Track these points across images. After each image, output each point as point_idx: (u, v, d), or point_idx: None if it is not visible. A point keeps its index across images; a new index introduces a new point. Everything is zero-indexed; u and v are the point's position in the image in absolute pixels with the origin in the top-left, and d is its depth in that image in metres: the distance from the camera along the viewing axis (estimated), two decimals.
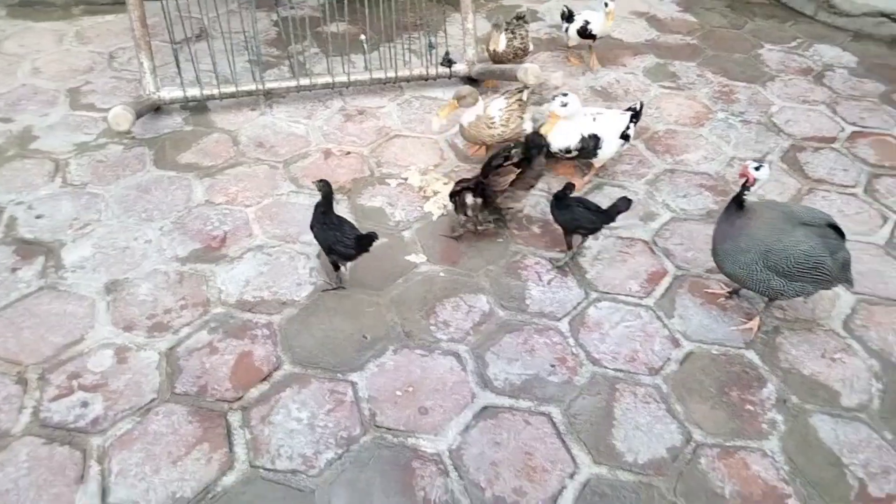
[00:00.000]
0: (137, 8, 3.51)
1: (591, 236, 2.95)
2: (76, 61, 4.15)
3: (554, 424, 2.30)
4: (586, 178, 3.39)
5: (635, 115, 3.34)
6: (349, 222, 2.66)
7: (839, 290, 2.83)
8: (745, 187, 2.49)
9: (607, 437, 2.27)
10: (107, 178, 3.23)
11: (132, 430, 2.18)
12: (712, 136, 3.89)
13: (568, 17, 4.32)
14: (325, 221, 2.60)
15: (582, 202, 2.89)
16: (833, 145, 3.87)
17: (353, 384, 2.38)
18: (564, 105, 3.12)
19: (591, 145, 3.21)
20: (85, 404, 2.24)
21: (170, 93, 3.65)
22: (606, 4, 4.08)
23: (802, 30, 5.17)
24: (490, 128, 3.30)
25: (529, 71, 3.55)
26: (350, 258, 2.63)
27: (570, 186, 2.87)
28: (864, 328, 2.73)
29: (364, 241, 2.57)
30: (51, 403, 2.24)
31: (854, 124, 4.07)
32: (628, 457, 2.22)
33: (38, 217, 2.99)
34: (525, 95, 3.43)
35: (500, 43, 3.98)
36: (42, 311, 2.56)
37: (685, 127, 3.96)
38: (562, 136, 3.17)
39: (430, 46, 4.16)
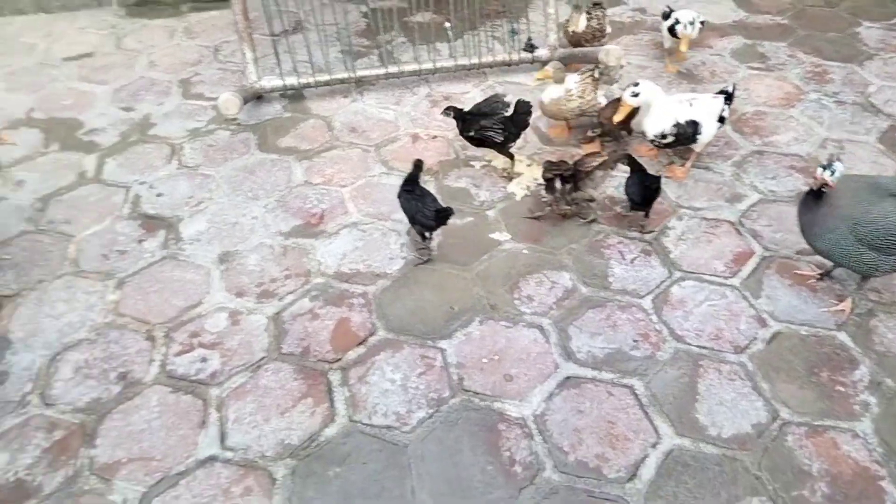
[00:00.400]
0: (240, 3, 3.77)
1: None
2: (186, 55, 4.48)
3: (636, 396, 2.37)
4: (687, 165, 3.38)
5: (728, 98, 3.31)
6: (432, 195, 2.83)
7: None
8: (822, 188, 2.46)
9: (690, 411, 2.32)
10: (217, 161, 3.52)
11: (245, 383, 2.41)
12: (803, 118, 3.80)
13: (667, 16, 4.15)
14: (410, 192, 2.78)
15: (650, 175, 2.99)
16: None
17: (442, 351, 2.53)
18: (635, 95, 3.14)
19: (689, 132, 3.19)
20: (204, 360, 2.50)
21: (270, 82, 3.91)
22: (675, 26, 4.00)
23: None
24: (568, 101, 3.38)
25: (611, 52, 3.59)
26: (430, 229, 2.81)
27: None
28: None
29: (442, 214, 2.74)
30: (175, 358, 2.50)
31: None
32: (712, 430, 2.27)
33: (158, 195, 3.29)
34: (597, 72, 3.49)
35: (580, 24, 4.03)
36: (165, 277, 2.84)
37: (774, 108, 3.88)
38: (655, 122, 3.18)
39: (513, 32, 4.24)
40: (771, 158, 3.51)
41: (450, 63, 4.09)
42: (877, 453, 2.19)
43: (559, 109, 3.42)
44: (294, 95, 4.04)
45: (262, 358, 2.50)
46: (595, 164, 2.96)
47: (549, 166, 3.05)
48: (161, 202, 3.25)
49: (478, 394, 2.38)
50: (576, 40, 4.14)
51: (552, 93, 3.39)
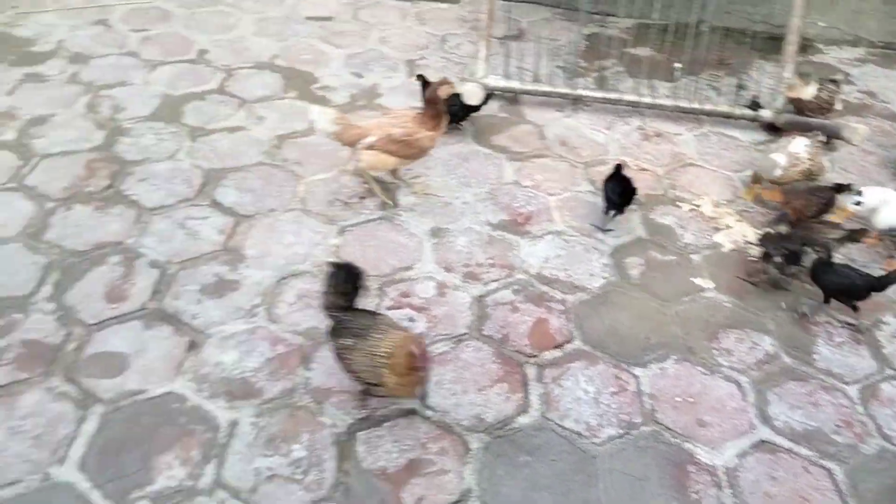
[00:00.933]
0: (490, 2, 3.96)
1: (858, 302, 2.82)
2: (415, 38, 4.74)
3: (835, 481, 2.28)
4: None
5: None
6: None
7: None
8: None
9: None
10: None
11: (447, 352, 2.52)
12: None
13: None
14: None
15: (848, 267, 2.84)
16: None
17: (636, 377, 2.54)
18: (858, 204, 3.12)
19: None
20: (412, 319, 2.63)
21: (495, 81, 4.06)
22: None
23: None
24: (795, 166, 3.31)
25: (858, 132, 3.48)
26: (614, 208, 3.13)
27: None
28: None
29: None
30: (386, 310, 2.65)
31: None
32: None
33: None
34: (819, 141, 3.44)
35: (807, 92, 3.92)
36: (381, 236, 3.03)
37: None
38: (890, 216, 3.10)
39: (740, 87, 4.18)
40: None
41: (669, 102, 4.10)
42: None
43: (788, 174, 3.35)
44: (511, 98, 4.18)
45: (464, 334, 2.61)
46: (831, 237, 2.87)
47: (772, 240, 2.95)
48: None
49: (669, 429, 2.37)
50: (799, 107, 4.03)
51: (777, 161, 3.32)
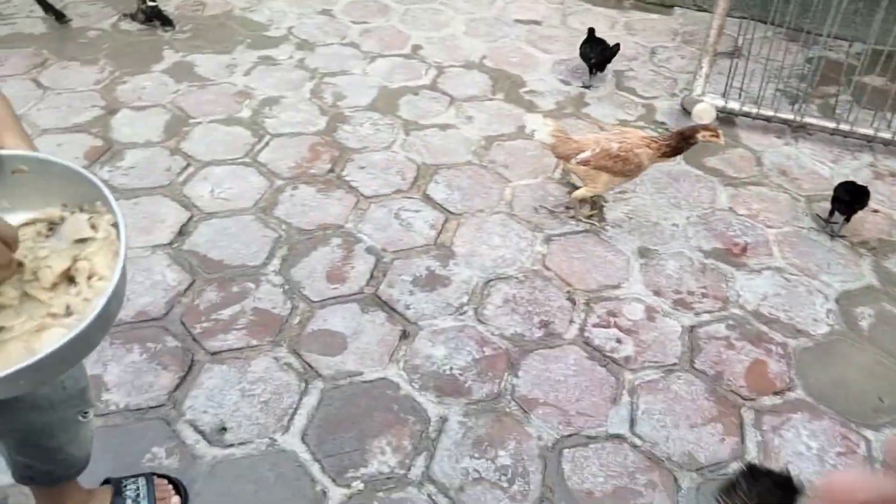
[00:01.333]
0: (720, 18, 3.76)
1: None
2: (624, 48, 4.62)
3: None
4: None
5: None
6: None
7: None
8: None
9: None
10: None
11: (657, 381, 2.43)
12: None
13: None
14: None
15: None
16: None
17: (867, 440, 2.30)
18: None
19: None
20: (619, 341, 2.57)
21: (712, 100, 3.86)
22: None
23: None
24: None
25: None
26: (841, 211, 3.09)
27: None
28: None
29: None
30: (593, 328, 2.61)
31: None
32: None
33: None
34: None
35: None
36: (588, 249, 2.98)
37: None
38: None
39: None
40: None
41: None
42: None
43: None
44: (724, 119, 3.96)
45: (675, 364, 2.50)
46: None
47: None
48: None
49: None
50: None
51: None
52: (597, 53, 4.01)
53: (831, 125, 3.78)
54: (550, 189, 3.32)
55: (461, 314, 2.63)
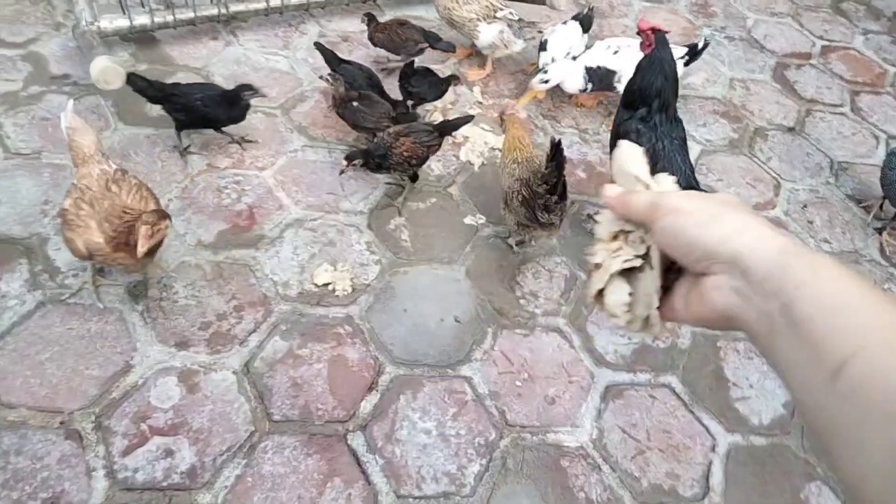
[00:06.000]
0: None
1: None
2: None
3: (678, 395, 2.23)
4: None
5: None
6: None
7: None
8: None
9: (728, 401, 2.25)
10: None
11: (244, 475, 1.81)
12: (706, 56, 3.79)
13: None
14: None
15: None
16: (811, 61, 3.95)
17: (469, 379, 2.14)
18: (545, 82, 2.95)
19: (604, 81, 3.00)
20: (168, 452, 1.82)
21: (113, 22, 2.88)
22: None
23: None
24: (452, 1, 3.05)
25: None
26: None
27: None
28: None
29: None
30: (124, 459, 1.78)
31: (821, 38, 4.17)
32: (754, 419, 2.22)
33: None
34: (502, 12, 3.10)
35: None
36: (53, 334, 2.00)
37: (678, 45, 3.82)
38: (571, 80, 2.96)
39: None
40: (695, 103, 3.47)
41: None
42: None
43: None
44: (141, 39, 3.05)
45: (252, 433, 1.90)
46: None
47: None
48: None
49: (525, 427, 2.06)
50: None
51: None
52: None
53: (263, 6, 3.20)
54: None
55: None
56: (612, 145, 2.53)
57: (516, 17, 3.09)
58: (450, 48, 3.07)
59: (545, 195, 2.15)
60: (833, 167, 3.26)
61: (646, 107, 2.35)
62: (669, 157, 2.34)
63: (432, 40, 3.02)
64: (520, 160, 2.30)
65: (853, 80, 3.86)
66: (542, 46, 3.08)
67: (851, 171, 3.26)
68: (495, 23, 3.06)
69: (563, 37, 3.08)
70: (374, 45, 3.06)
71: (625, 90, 2.42)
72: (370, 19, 3.04)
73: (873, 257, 2.87)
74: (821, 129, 3.47)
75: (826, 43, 4.14)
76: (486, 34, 3.06)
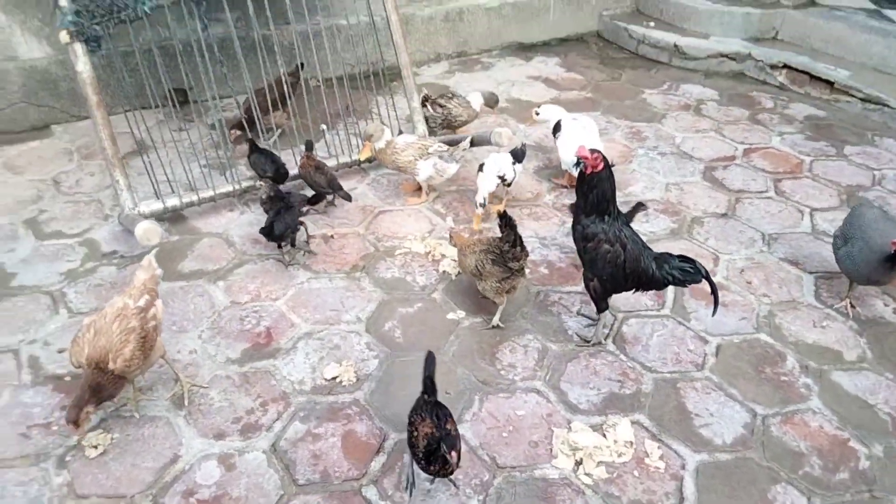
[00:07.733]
0: (106, 127, 3.47)
1: None
2: (18, 192, 3.93)
3: (646, 429, 2.57)
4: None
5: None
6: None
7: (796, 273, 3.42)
8: None
9: (694, 429, 2.57)
10: None
11: None
12: (643, 169, 4.49)
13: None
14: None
15: None
16: (736, 162, 4.62)
17: (461, 436, 2.50)
18: (538, 114, 4.21)
19: None
20: None
21: (149, 206, 3.59)
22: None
23: (666, 75, 6.09)
24: (393, 154, 3.77)
25: (504, 134, 4.04)
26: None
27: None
28: (832, 298, 3.31)
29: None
30: None
31: (742, 143, 4.88)
32: (717, 440, 2.53)
33: (60, 352, 2.81)
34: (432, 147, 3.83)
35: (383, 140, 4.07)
36: (125, 441, 2.42)
37: (619, 165, 4.52)
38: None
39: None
40: None
41: (332, 162, 4.12)
42: (834, 422, 2.63)
43: (384, 158, 3.85)
44: (173, 217, 3.75)
45: (282, 496, 2.25)
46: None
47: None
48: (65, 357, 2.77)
49: (514, 467, 2.39)
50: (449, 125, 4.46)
51: (381, 143, 3.78)
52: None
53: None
54: (28, 399, 2.58)
55: None
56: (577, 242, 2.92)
57: (444, 149, 3.80)
58: (347, 198, 3.79)
59: (510, 249, 2.77)
60: (765, 238, 3.78)
61: (605, 213, 2.76)
62: (633, 238, 2.78)
63: (335, 188, 3.73)
64: (474, 245, 2.92)
65: (775, 171, 4.51)
66: (480, 168, 3.74)
67: (782, 239, 3.77)
68: (430, 157, 3.78)
69: (495, 161, 3.74)
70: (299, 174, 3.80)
71: (585, 203, 2.77)
72: (307, 147, 3.82)
73: (810, 302, 3.29)
74: (750, 212, 4.04)
75: (747, 146, 4.85)
76: (424, 170, 3.78)
